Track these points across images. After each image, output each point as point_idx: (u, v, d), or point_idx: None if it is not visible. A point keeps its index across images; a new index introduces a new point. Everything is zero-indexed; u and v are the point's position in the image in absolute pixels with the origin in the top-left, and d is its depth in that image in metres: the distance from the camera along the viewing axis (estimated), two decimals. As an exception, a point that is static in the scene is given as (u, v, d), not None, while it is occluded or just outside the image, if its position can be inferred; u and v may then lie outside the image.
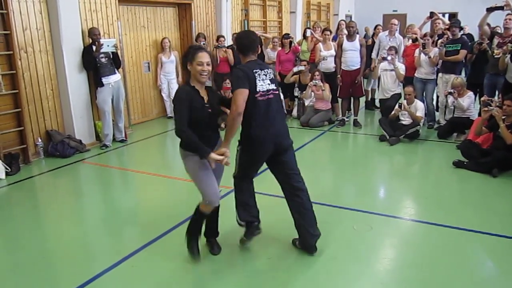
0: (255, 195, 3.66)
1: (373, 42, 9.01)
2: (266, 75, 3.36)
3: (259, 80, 3.30)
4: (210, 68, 3.23)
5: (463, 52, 6.92)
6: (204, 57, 3.18)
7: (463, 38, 7.04)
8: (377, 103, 9.37)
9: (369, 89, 9.27)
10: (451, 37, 7.16)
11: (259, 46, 3.52)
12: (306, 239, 3.57)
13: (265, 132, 3.33)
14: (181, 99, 3.15)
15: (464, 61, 7.36)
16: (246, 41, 3.42)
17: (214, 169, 3.27)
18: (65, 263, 3.62)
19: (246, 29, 11.00)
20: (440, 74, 7.30)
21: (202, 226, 3.55)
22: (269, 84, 3.36)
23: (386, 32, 8.65)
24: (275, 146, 3.41)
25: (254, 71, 3.30)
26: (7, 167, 5.63)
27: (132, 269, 3.46)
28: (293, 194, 3.54)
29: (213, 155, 3.14)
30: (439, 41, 7.38)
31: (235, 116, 3.18)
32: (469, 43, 7.14)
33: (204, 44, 8.62)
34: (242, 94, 3.19)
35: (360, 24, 9.27)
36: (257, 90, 3.28)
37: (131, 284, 3.28)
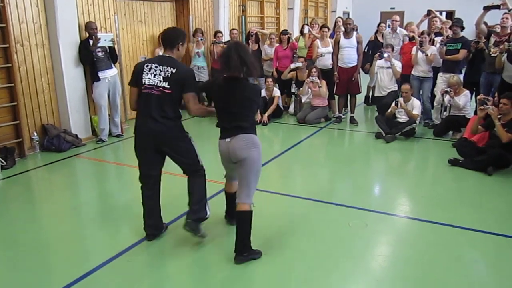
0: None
1: (375, 39, 9.04)
2: (161, 71, 3.42)
3: (146, 73, 3.43)
4: None
5: (463, 52, 6.90)
6: None
7: (464, 37, 7.04)
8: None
9: (372, 85, 9.21)
10: (451, 35, 7.16)
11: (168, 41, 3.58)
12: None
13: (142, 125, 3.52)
14: None
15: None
16: (164, 36, 3.58)
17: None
18: (60, 257, 3.61)
19: (243, 25, 10.98)
20: (440, 73, 7.30)
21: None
22: (160, 81, 3.40)
23: (389, 29, 8.71)
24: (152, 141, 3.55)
25: (146, 65, 3.46)
26: (2, 161, 5.60)
27: (128, 263, 3.46)
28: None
29: None
30: (440, 39, 7.38)
31: None
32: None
33: (201, 39, 8.61)
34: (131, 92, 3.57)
35: (357, 21, 9.27)
36: (143, 82, 3.43)
37: (127, 279, 3.28)
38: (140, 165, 3.70)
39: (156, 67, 3.42)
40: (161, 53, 8.48)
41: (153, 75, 3.40)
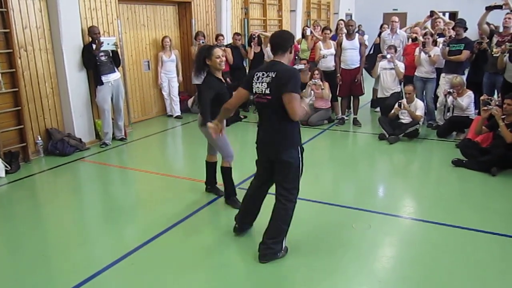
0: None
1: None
2: (265, 78, 3.26)
3: (255, 82, 3.32)
4: (224, 58, 4.15)
5: (465, 53, 6.88)
6: (219, 51, 4.08)
7: (467, 38, 7.01)
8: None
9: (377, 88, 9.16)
10: (453, 36, 7.14)
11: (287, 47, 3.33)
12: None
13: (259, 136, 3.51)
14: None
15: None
16: (275, 40, 3.33)
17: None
18: (64, 261, 3.62)
19: (246, 28, 11.00)
20: (443, 74, 7.28)
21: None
22: (265, 88, 3.25)
23: (388, 31, 8.66)
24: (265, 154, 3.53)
25: (256, 72, 3.33)
26: (7, 165, 5.63)
27: (132, 267, 3.47)
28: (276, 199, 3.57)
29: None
30: (442, 39, 7.36)
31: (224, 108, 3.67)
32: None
33: (203, 42, 8.63)
34: (238, 92, 3.52)
35: (360, 23, 9.26)
36: (254, 91, 3.37)
37: (131, 282, 3.28)
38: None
39: (262, 74, 3.27)
40: (165, 58, 8.62)
41: (260, 83, 3.27)
